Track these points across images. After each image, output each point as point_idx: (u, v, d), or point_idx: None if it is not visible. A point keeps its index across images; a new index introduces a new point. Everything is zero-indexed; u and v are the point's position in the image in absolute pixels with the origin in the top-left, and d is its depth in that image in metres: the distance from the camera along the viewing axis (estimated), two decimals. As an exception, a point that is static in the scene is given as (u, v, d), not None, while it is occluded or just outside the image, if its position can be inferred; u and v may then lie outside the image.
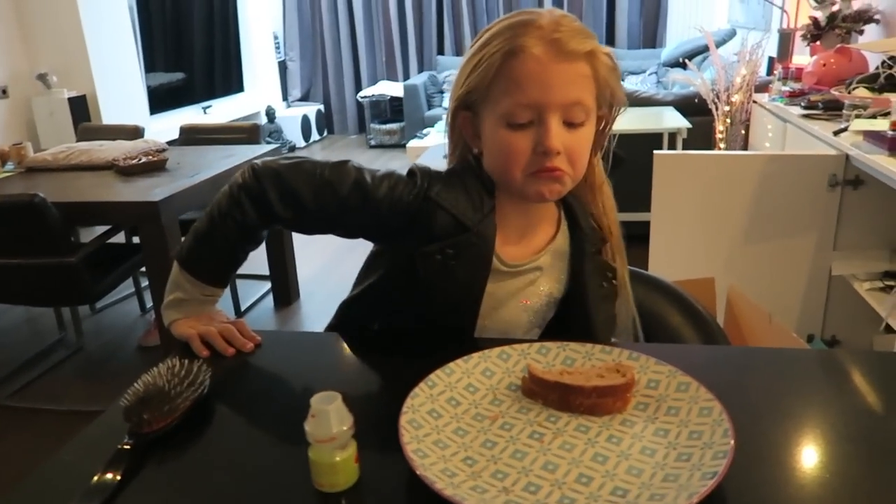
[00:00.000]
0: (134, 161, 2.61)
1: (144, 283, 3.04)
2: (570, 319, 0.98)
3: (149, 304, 3.03)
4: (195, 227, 0.94)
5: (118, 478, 0.64)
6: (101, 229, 2.48)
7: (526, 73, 0.83)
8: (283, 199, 0.89)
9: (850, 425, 0.72)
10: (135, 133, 3.20)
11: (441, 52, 6.81)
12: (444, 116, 0.98)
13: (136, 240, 2.88)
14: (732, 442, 0.62)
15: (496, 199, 0.92)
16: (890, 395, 0.78)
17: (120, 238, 3.00)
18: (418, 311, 0.93)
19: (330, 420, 0.60)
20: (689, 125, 3.42)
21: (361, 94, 6.56)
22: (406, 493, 0.63)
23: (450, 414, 0.72)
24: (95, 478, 0.64)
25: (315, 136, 6.82)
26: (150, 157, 2.64)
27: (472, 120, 0.91)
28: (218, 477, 0.67)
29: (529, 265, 0.95)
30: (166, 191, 2.28)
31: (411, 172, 0.92)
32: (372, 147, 6.50)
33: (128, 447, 0.68)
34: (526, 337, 0.97)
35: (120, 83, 4.49)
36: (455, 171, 0.95)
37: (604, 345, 0.82)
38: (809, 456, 0.67)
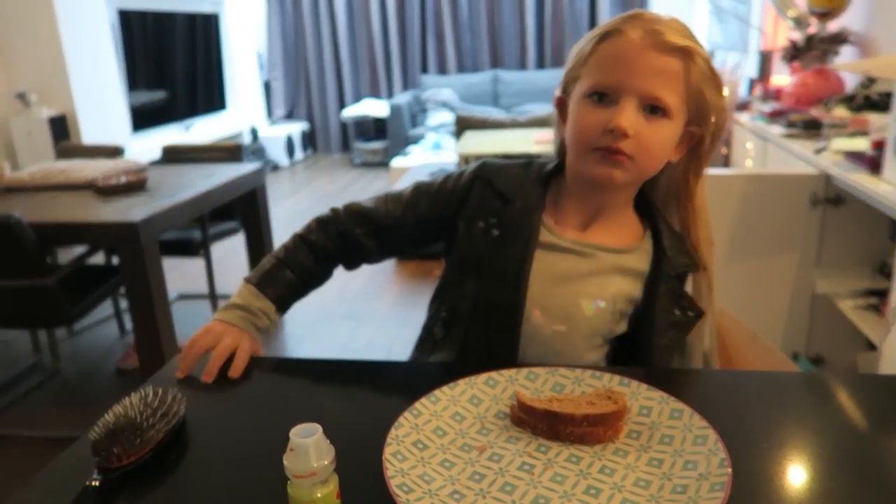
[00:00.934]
0: (113, 181, 2.56)
1: (124, 304, 2.99)
2: (635, 340, 0.95)
3: (128, 325, 2.97)
4: (268, 258, 1.02)
5: (85, 518, 0.61)
6: (81, 250, 2.43)
7: (616, 52, 0.85)
8: (356, 220, 1.01)
9: (846, 453, 0.70)
10: (114, 153, 3.16)
11: (425, 70, 6.83)
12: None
13: (115, 261, 2.84)
14: (730, 472, 0.60)
15: (564, 186, 0.94)
16: (881, 420, 0.77)
17: (99, 259, 2.96)
18: (476, 291, 0.94)
19: (309, 454, 0.57)
20: (672, 144, 3.43)
21: (345, 112, 6.56)
22: (390, 530, 0.60)
23: (436, 445, 0.69)
24: (61, 518, 0.61)
25: (299, 154, 6.79)
26: (130, 177, 2.60)
27: (564, 102, 0.92)
28: (192, 514, 0.64)
29: (587, 245, 0.92)
30: (145, 211, 2.24)
31: (472, 165, 0.99)
32: (356, 166, 6.49)
33: (96, 484, 0.64)
34: (588, 338, 0.93)
35: (101, 102, 4.44)
36: (516, 162, 0.99)
37: (594, 370, 0.79)
38: (806, 487, 0.65)
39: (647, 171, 0.89)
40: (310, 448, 0.57)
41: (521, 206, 0.93)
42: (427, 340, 1.02)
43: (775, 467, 0.67)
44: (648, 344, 0.93)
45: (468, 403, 0.76)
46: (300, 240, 1.02)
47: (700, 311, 0.95)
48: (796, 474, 0.66)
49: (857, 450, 0.71)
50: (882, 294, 2.15)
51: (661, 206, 0.98)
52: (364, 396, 0.87)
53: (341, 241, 1.02)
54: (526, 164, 0.99)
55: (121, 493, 0.66)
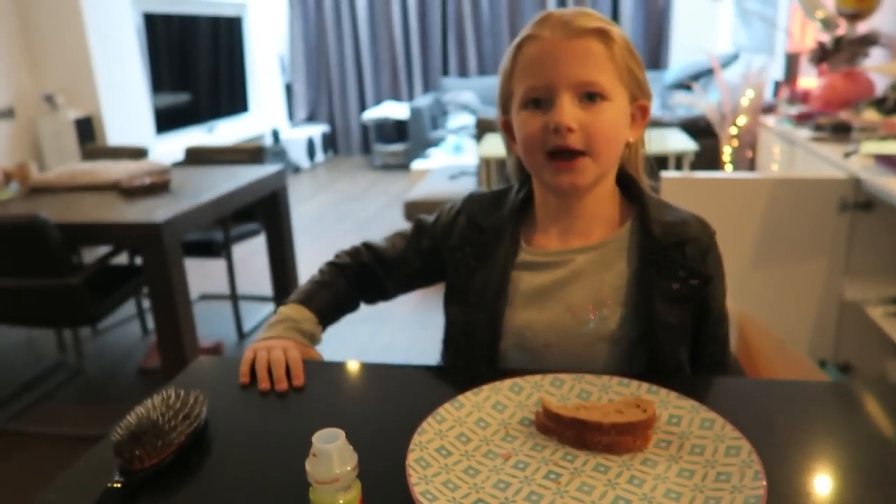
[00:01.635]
0: (137, 182, 2.59)
1: (146, 304, 3.01)
2: (640, 331, 0.90)
3: (150, 325, 3.00)
4: (303, 283, 1.06)
5: (107, 520, 0.60)
6: (105, 250, 2.45)
7: (536, 54, 0.84)
8: (373, 256, 1.06)
9: (879, 465, 0.67)
10: (139, 154, 3.19)
11: (446, 73, 6.83)
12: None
13: (138, 261, 2.86)
14: (765, 484, 0.58)
15: (537, 206, 0.95)
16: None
17: (123, 259, 2.99)
18: (460, 317, 0.96)
19: (332, 460, 0.56)
20: (697, 147, 3.39)
21: (366, 115, 6.58)
22: (414, 538, 0.59)
23: (460, 451, 0.68)
24: (83, 519, 0.60)
25: (320, 157, 6.82)
26: (154, 178, 2.62)
27: (508, 121, 0.92)
28: (213, 518, 0.63)
29: (562, 256, 0.91)
30: (168, 212, 2.25)
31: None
32: (376, 168, 6.50)
33: (118, 485, 0.64)
34: (589, 345, 0.89)
35: (126, 104, 4.49)
36: (496, 190, 1.01)
37: (621, 377, 0.77)
38: (841, 501, 0.62)
39: (607, 160, 0.86)
40: (332, 454, 0.57)
41: (492, 232, 0.94)
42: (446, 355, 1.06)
43: (809, 480, 0.65)
44: (650, 326, 0.87)
45: (492, 409, 0.74)
46: (334, 267, 1.06)
47: (707, 276, 0.89)
48: (830, 487, 0.64)
49: (890, 461, 0.68)
50: (913, 301, 2.11)
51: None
52: (387, 401, 0.86)
53: (363, 273, 1.06)
54: (503, 191, 1.00)
55: (142, 495, 0.65)
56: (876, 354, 2.31)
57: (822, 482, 0.65)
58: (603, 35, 0.83)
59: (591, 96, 0.83)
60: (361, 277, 1.06)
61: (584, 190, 0.88)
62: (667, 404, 0.72)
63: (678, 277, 0.88)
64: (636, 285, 0.88)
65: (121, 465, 0.66)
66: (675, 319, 0.87)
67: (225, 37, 5.97)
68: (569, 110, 0.82)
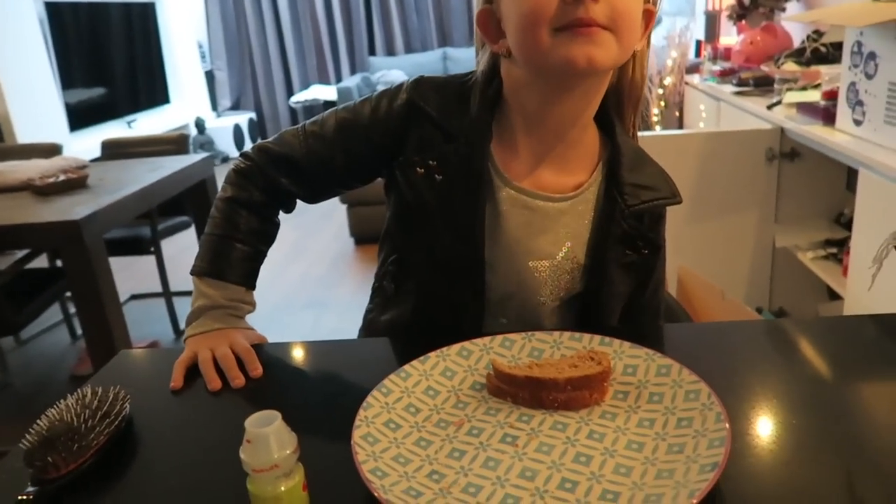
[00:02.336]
0: (51, 180, 2.43)
1: (73, 309, 2.85)
2: (588, 292, 0.84)
3: (79, 331, 2.84)
4: (205, 237, 0.87)
5: (18, 537, 0.54)
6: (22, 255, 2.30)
7: None
8: (278, 168, 0.85)
9: (834, 396, 0.67)
10: (52, 151, 3.00)
11: (373, 52, 6.70)
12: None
13: (60, 263, 2.70)
14: (728, 427, 0.56)
15: (509, 117, 0.80)
16: (865, 357, 0.74)
17: (42, 262, 2.82)
18: (428, 244, 0.82)
19: (269, 444, 0.51)
20: (626, 109, 3.42)
21: (294, 99, 6.40)
22: (366, 520, 0.55)
23: (409, 423, 0.64)
24: (-9, 539, 0.54)
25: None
26: (70, 175, 2.47)
27: (492, 13, 0.76)
28: (143, 522, 0.57)
29: (537, 197, 0.80)
30: (88, 208, 2.12)
31: (406, 83, 0.83)
32: (309, 153, 6.35)
33: (29, 497, 0.57)
34: (545, 300, 0.84)
35: (34, 101, 4.23)
36: (455, 77, 0.83)
37: (572, 332, 0.74)
38: (808, 437, 0.61)
39: (628, 46, 0.71)
40: (269, 438, 0.51)
41: (465, 145, 0.78)
42: (379, 294, 0.92)
43: (768, 417, 0.63)
44: (598, 293, 0.83)
45: (441, 377, 0.70)
46: (231, 203, 0.87)
47: (656, 248, 0.84)
48: (788, 422, 0.63)
49: (837, 390, 0.68)
50: (840, 244, 2.18)
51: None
52: (326, 378, 0.80)
53: (271, 192, 0.87)
54: (465, 78, 0.83)
55: (60, 505, 0.59)
56: (808, 298, 2.39)
57: (781, 418, 0.63)
58: None
59: None
60: (271, 198, 0.88)
61: (601, 72, 0.72)
62: (621, 355, 0.70)
63: (634, 245, 0.83)
64: (594, 246, 0.82)
65: (33, 474, 0.59)
66: (622, 287, 0.84)
67: (138, 25, 5.69)
68: None
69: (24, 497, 0.57)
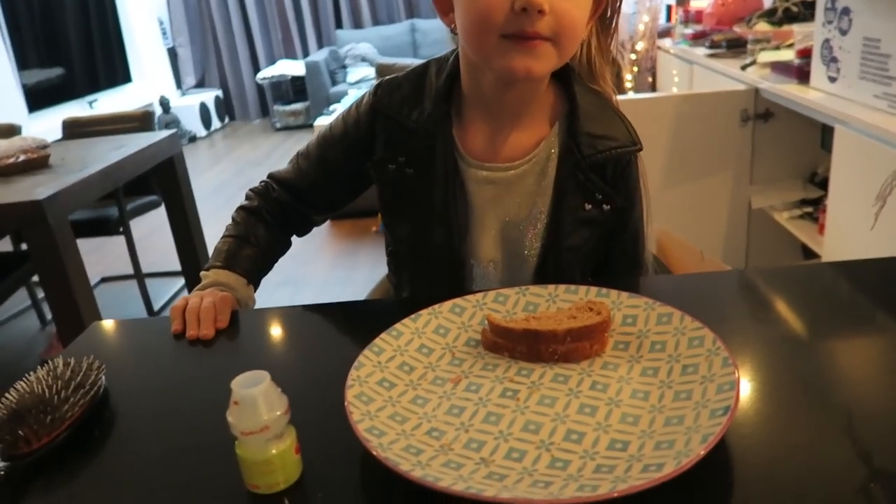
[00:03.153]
0: (11, 160, 2.33)
1: (42, 293, 2.77)
2: (549, 246, 0.84)
3: (49, 315, 2.76)
4: (220, 240, 0.93)
5: (-10, 515, 0.50)
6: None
7: None
8: (283, 188, 0.94)
9: (848, 338, 0.66)
10: (10, 132, 2.89)
11: (339, 25, 6.57)
12: None
13: (25, 247, 2.61)
14: (736, 372, 0.54)
15: (465, 90, 0.82)
16: (871, 300, 0.73)
17: (6, 246, 2.73)
18: (410, 234, 0.87)
19: (258, 405, 0.48)
20: (600, 75, 3.40)
21: (260, 75, 6.25)
22: (363, 483, 0.52)
23: (404, 382, 0.61)
24: (-39, 519, 0.50)
25: (216, 123, 6.46)
26: (30, 155, 2.37)
27: None
28: (125, 499, 0.54)
29: (498, 168, 0.82)
30: (51, 188, 2.04)
31: (370, 89, 0.88)
32: (278, 130, 6.23)
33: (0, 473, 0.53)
34: (526, 263, 0.85)
35: (-12, 82, 4.08)
36: (412, 73, 0.87)
37: (568, 285, 0.72)
38: (811, 380, 0.60)
39: (568, 54, 0.75)
40: (258, 398, 0.48)
41: (424, 135, 0.82)
42: (393, 286, 0.97)
43: (776, 363, 0.62)
44: (555, 246, 0.83)
45: (434, 334, 0.67)
46: (248, 213, 0.94)
47: (620, 205, 0.83)
48: (799, 366, 0.61)
49: (847, 333, 0.67)
50: (815, 203, 2.19)
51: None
52: (315, 340, 0.77)
53: (282, 211, 0.94)
54: (421, 71, 0.86)
55: (35, 481, 0.55)
56: (785, 258, 2.41)
57: (786, 362, 0.62)
58: None
59: None
60: (280, 216, 0.94)
61: (537, 80, 0.77)
62: (619, 305, 0.67)
63: (593, 199, 0.82)
64: (554, 200, 0.82)
65: (2, 449, 0.55)
66: (579, 241, 0.83)
67: (95, 2, 5.49)
68: None
69: (-5, 474, 0.53)
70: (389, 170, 0.84)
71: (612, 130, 0.82)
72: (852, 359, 0.64)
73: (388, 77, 0.87)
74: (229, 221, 0.94)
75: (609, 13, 0.81)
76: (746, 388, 0.58)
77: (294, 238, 1.00)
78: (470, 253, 0.86)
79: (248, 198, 0.96)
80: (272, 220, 0.94)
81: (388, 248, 0.93)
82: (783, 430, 0.53)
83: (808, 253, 2.18)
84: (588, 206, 0.82)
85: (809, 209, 2.22)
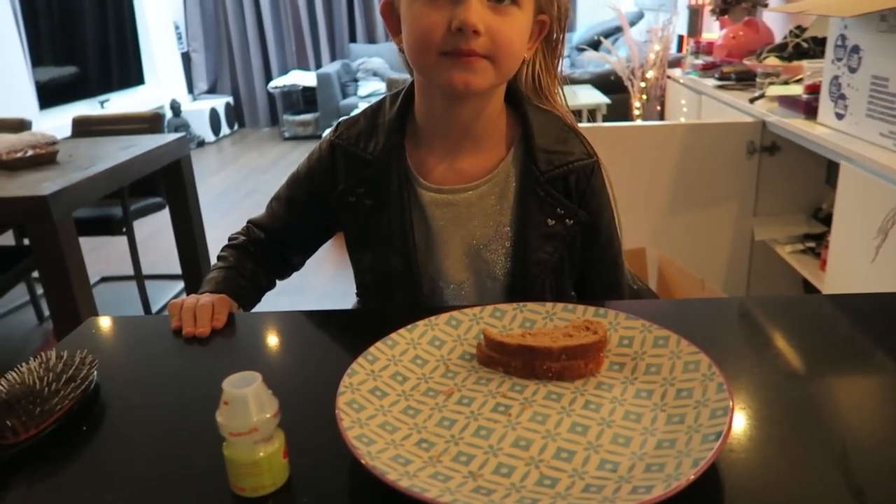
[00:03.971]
0: (19, 154, 2.34)
1: (41, 290, 2.77)
2: (515, 263, 0.86)
3: (46, 311, 2.76)
4: (213, 269, 0.94)
5: (-27, 504, 0.50)
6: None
7: None
8: (263, 231, 0.96)
9: (843, 370, 0.65)
10: (20, 126, 2.90)
11: (353, 39, 6.62)
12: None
13: (27, 241, 2.61)
14: (730, 398, 0.53)
15: (418, 116, 0.86)
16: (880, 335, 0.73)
17: (8, 240, 2.73)
18: (372, 263, 0.89)
19: (248, 406, 0.48)
20: (609, 101, 3.42)
21: (272, 84, 6.30)
22: (350, 490, 0.52)
23: (396, 391, 0.61)
24: (-57, 506, 0.49)
25: (225, 130, 6.50)
26: (38, 150, 2.38)
27: (391, 5, 0.81)
28: (110, 493, 0.53)
29: (457, 195, 0.85)
30: (57, 184, 2.05)
31: (330, 130, 0.92)
32: (286, 139, 6.26)
33: (-14, 463, 0.53)
34: (494, 281, 0.87)
35: (2, 77, 4.10)
36: (368, 109, 0.91)
37: (566, 304, 0.72)
38: (807, 409, 0.60)
39: (507, 71, 0.78)
40: (248, 399, 0.48)
41: (378, 164, 0.85)
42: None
43: (767, 390, 0.62)
44: (523, 263, 0.84)
45: (429, 346, 0.67)
46: (234, 249, 0.96)
47: (582, 217, 0.85)
48: (795, 395, 0.61)
49: (844, 365, 0.66)
50: (818, 238, 2.19)
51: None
52: (309, 346, 0.77)
53: (264, 250, 0.97)
54: (376, 107, 0.90)
55: (20, 472, 0.55)
56: (785, 291, 2.41)
57: (782, 391, 0.62)
58: None
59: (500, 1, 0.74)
60: (263, 254, 0.96)
61: (477, 94, 0.79)
62: (616, 326, 0.67)
63: (555, 214, 0.84)
64: (517, 218, 0.85)
65: (-10, 439, 0.55)
66: (545, 255, 0.84)
67: (113, 4, 5.55)
68: (477, 9, 0.72)
69: (-20, 462, 0.53)
70: (350, 202, 0.87)
71: (567, 146, 0.85)
72: (848, 391, 0.64)
73: (346, 117, 0.92)
74: (220, 253, 0.96)
75: (555, 34, 0.85)
76: (740, 414, 0.57)
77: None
78: (437, 276, 0.87)
79: (231, 238, 0.98)
80: (257, 255, 0.96)
81: (356, 279, 0.95)
82: (776, 457, 0.53)
83: (809, 288, 2.18)
84: (551, 222, 0.84)
85: (812, 244, 2.22)
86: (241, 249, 0.95)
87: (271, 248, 0.96)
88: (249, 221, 0.99)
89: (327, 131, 0.92)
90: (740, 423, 0.56)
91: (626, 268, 0.97)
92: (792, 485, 0.50)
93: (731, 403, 0.53)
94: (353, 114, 0.92)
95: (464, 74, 0.74)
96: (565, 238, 0.85)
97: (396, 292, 0.87)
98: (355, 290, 0.96)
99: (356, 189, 0.86)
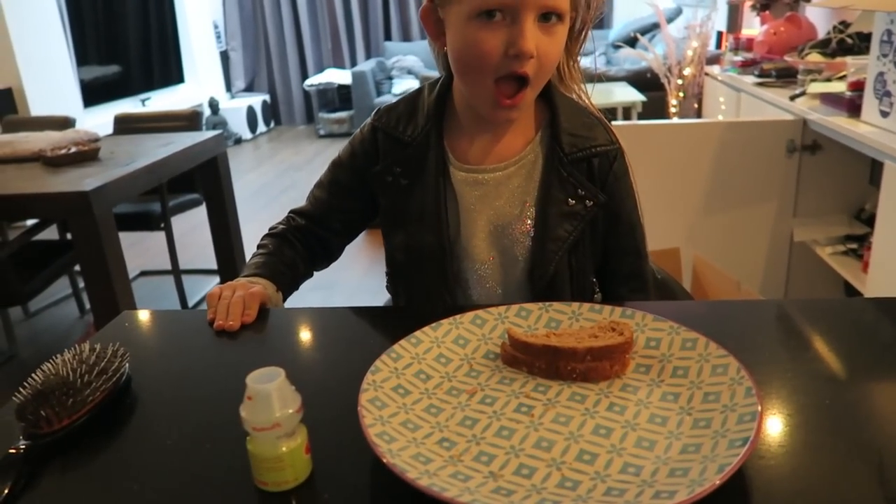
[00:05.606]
0: (63, 151, 2.41)
1: (82, 283, 2.84)
2: (535, 239, 0.88)
3: (87, 304, 2.84)
4: (253, 256, 0.96)
5: (6, 491, 0.51)
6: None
7: None
8: (305, 218, 0.99)
9: (873, 375, 0.63)
10: (64, 124, 2.98)
11: (388, 37, 6.65)
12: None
13: (70, 236, 2.69)
14: (759, 403, 0.52)
15: (456, 104, 0.89)
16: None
17: (53, 234, 2.81)
18: (404, 241, 0.91)
19: (271, 402, 0.48)
20: (644, 98, 3.37)
21: (308, 82, 6.36)
22: (371, 488, 0.52)
23: (419, 389, 0.61)
24: (-21, 493, 0.51)
25: (262, 127, 6.59)
26: (81, 147, 2.45)
27: (435, 12, 0.82)
28: (137, 484, 0.54)
29: (489, 174, 0.87)
30: (98, 180, 2.10)
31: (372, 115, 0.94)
32: (321, 137, 6.32)
33: (20, 451, 0.54)
34: (523, 262, 0.89)
35: (49, 75, 4.22)
36: (408, 95, 0.94)
37: (592, 304, 0.71)
38: (841, 418, 0.58)
39: (544, 82, 0.82)
40: (271, 394, 0.48)
41: (416, 146, 0.88)
42: (391, 298, 1.00)
43: (806, 397, 0.60)
44: (542, 240, 0.86)
45: (453, 344, 0.67)
46: (274, 237, 0.98)
47: (603, 200, 0.86)
48: (830, 402, 0.59)
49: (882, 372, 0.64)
50: (861, 239, 2.12)
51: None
52: (333, 342, 0.78)
53: (304, 237, 0.98)
54: (416, 94, 0.93)
55: (52, 460, 0.56)
56: (825, 294, 2.34)
57: (815, 398, 0.60)
58: None
59: (547, 16, 0.76)
60: (303, 241, 0.98)
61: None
62: (643, 327, 0.66)
63: (576, 194, 0.86)
64: (540, 196, 0.87)
65: (24, 428, 0.56)
66: (563, 233, 0.86)
67: (154, 3, 5.66)
68: (532, 34, 0.74)
69: (15, 450, 0.55)
70: (387, 181, 0.90)
71: (591, 132, 0.88)
72: (887, 399, 0.62)
73: (388, 103, 0.94)
74: (260, 241, 0.98)
75: (578, 25, 0.86)
76: (771, 420, 0.56)
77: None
78: (464, 255, 0.89)
79: (272, 228, 1.00)
80: (297, 243, 0.98)
81: (387, 260, 0.96)
82: (808, 465, 0.51)
83: (851, 290, 2.12)
84: (571, 202, 0.86)
85: (854, 245, 2.16)
86: (281, 237, 0.97)
87: (312, 234, 0.98)
88: (291, 211, 1.01)
89: (367, 119, 0.94)
90: (771, 428, 0.55)
91: (649, 258, 0.97)
92: (825, 495, 0.49)
93: (759, 408, 0.51)
94: (391, 101, 0.94)
95: (509, 113, 0.81)
96: (584, 218, 0.86)
97: (426, 271, 0.89)
98: (385, 270, 0.98)
99: (394, 168, 0.89)
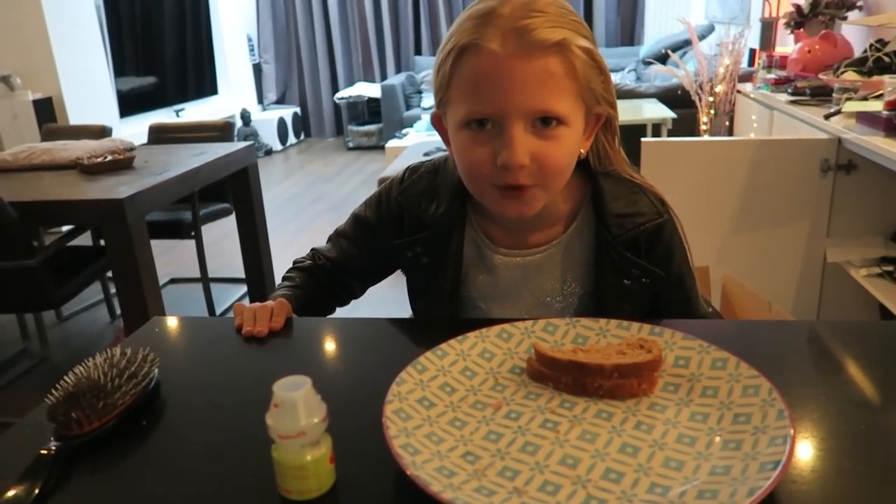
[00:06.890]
0: (99, 159, 2.47)
1: (114, 289, 2.89)
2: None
3: (118, 310, 2.88)
4: (280, 285, 0.97)
5: (37, 490, 0.52)
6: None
7: (480, 72, 0.71)
8: (329, 261, 0.98)
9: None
10: (101, 133, 3.05)
11: (418, 52, 6.71)
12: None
13: (103, 242, 2.74)
14: (792, 426, 0.51)
15: None
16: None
17: (87, 241, 2.87)
18: (423, 309, 0.92)
19: (297, 410, 0.49)
20: (674, 115, 3.35)
21: (338, 95, 6.44)
22: (395, 499, 0.52)
23: (444, 402, 0.60)
24: (10, 492, 0.52)
25: (292, 139, 6.68)
26: (117, 156, 2.50)
27: (442, 118, 0.82)
28: (163, 487, 0.55)
29: (525, 253, 0.86)
30: (132, 188, 2.14)
31: (395, 180, 0.92)
32: (350, 149, 6.38)
33: (51, 452, 0.55)
34: None
35: (87, 86, 4.33)
36: (431, 165, 0.91)
37: (620, 320, 0.70)
38: (881, 447, 0.56)
39: (558, 184, 0.78)
40: (298, 403, 0.49)
41: (441, 230, 0.86)
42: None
43: (840, 422, 0.58)
44: (595, 313, 0.82)
45: (479, 358, 0.67)
46: (300, 270, 0.98)
47: (657, 275, 0.83)
48: (865, 427, 0.58)
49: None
50: (897, 262, 2.08)
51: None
52: (360, 353, 0.78)
53: (328, 275, 0.98)
54: (437, 166, 0.90)
55: (82, 461, 0.57)
56: (859, 317, 2.29)
57: (850, 422, 0.58)
58: (563, 49, 0.70)
59: (545, 121, 0.72)
60: (327, 278, 0.98)
61: (532, 217, 0.79)
62: (672, 346, 0.65)
63: (630, 275, 0.83)
64: (593, 279, 0.85)
65: (55, 430, 0.58)
66: (622, 313, 0.82)
67: (191, 17, 5.79)
68: (521, 143, 0.71)
69: (47, 451, 0.56)
70: (407, 257, 0.89)
71: (637, 207, 0.83)
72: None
73: (413, 165, 0.92)
74: (285, 274, 0.99)
75: (613, 120, 0.83)
76: (803, 444, 0.55)
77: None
78: (495, 313, 0.88)
79: (297, 262, 1.00)
80: (322, 279, 0.98)
81: (412, 309, 0.97)
82: (841, 492, 0.50)
83: (886, 314, 2.07)
84: (627, 282, 0.83)
85: (890, 268, 2.11)
86: (307, 272, 0.97)
87: (335, 275, 0.98)
88: (314, 249, 1.01)
89: (394, 178, 0.92)
90: (803, 453, 0.54)
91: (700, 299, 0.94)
92: (857, 521, 0.47)
93: (792, 431, 0.50)
94: (417, 164, 0.93)
95: (516, 206, 0.76)
96: (642, 296, 0.84)
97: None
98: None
99: (414, 246, 0.88)
